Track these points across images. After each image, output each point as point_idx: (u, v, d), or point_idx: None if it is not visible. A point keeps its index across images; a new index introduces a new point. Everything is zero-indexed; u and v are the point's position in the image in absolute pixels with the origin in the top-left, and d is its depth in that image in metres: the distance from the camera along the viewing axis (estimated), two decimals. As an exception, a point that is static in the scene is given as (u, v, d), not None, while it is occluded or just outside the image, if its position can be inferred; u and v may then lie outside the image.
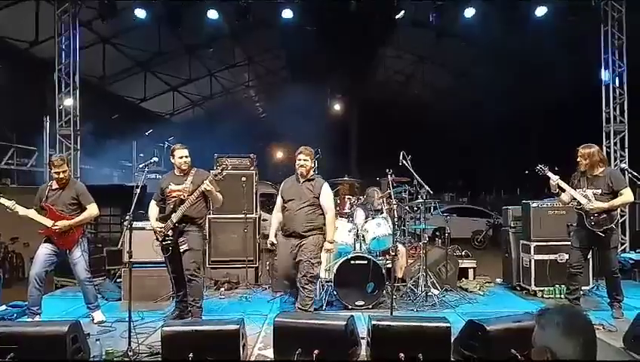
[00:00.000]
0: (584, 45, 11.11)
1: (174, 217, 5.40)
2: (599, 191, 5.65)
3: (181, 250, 5.43)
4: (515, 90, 17.27)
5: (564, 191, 5.82)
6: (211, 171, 5.55)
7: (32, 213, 5.52)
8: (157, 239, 5.53)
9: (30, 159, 12.71)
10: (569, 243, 6.11)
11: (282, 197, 5.76)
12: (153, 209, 5.66)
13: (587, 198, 5.65)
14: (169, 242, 5.45)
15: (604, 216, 5.61)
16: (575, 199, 5.74)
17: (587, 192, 5.68)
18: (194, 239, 5.49)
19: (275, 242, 5.73)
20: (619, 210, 6.11)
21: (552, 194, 6.17)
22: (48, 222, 5.46)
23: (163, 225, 5.45)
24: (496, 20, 10.29)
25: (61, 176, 5.55)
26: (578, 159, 5.77)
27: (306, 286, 5.43)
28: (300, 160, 5.58)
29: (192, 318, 5.48)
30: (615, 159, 9.33)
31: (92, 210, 5.69)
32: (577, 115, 13.80)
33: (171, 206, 5.48)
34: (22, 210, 5.48)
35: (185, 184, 5.54)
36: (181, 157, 5.61)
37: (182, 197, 5.46)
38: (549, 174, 5.87)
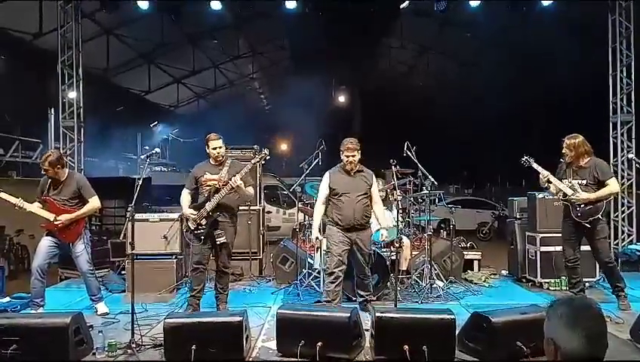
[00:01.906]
0: (589, 36, 11.02)
1: (208, 206, 5.36)
2: (584, 181, 5.62)
3: (217, 242, 5.42)
4: (519, 82, 17.16)
5: (551, 183, 5.79)
6: (249, 163, 5.44)
7: (35, 208, 5.49)
8: (189, 227, 5.47)
9: (35, 152, 12.73)
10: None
11: (333, 189, 5.54)
12: (185, 197, 5.59)
13: (573, 189, 5.61)
14: (202, 231, 5.41)
15: (590, 206, 5.58)
16: (561, 190, 5.71)
17: (572, 183, 5.65)
18: (230, 232, 5.53)
19: (321, 238, 5.63)
20: (611, 199, 6.04)
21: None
22: (50, 216, 5.44)
23: (196, 212, 5.39)
24: (500, 11, 10.18)
25: (43, 172, 5.53)
26: (563, 150, 5.72)
27: (368, 275, 5.68)
28: (347, 156, 5.48)
29: (221, 305, 5.62)
30: (622, 150, 9.21)
31: (94, 203, 5.65)
32: (580, 107, 13.73)
33: (205, 195, 5.44)
34: (27, 206, 5.46)
35: (221, 174, 5.48)
36: (215, 148, 5.53)
37: (217, 186, 5.41)
38: (535, 166, 5.80)
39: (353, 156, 5.49)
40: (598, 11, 9.73)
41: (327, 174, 5.65)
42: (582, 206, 5.58)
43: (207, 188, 5.46)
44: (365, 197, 5.51)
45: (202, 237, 5.41)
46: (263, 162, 5.55)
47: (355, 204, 5.44)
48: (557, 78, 15.15)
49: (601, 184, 5.59)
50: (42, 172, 5.55)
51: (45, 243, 5.50)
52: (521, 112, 19.94)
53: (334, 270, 5.42)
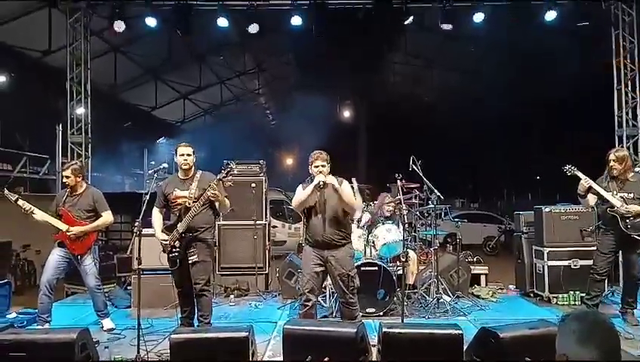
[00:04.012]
0: (589, 44, 11.07)
1: (180, 227, 5.04)
2: (631, 195, 5.60)
3: (190, 262, 5.08)
4: (527, 94, 17.20)
5: (589, 192, 5.67)
6: (218, 175, 5.15)
7: (47, 217, 5.56)
8: (163, 251, 5.20)
9: (43, 167, 12.80)
10: (583, 248, 6.00)
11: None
12: (157, 218, 5.29)
13: (621, 201, 5.57)
14: (176, 254, 5.09)
15: (639, 219, 5.54)
16: (605, 202, 5.66)
17: (618, 196, 5.61)
18: (203, 250, 5.16)
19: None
20: None
21: (571, 199, 6.02)
22: (63, 227, 5.51)
23: (168, 237, 5.11)
24: (504, 23, 10.22)
25: (64, 180, 5.65)
26: (611, 164, 5.65)
27: (351, 301, 5.00)
28: (317, 166, 4.94)
29: None
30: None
31: (107, 217, 5.74)
32: (591, 116, 13.73)
33: (177, 214, 5.14)
34: (39, 213, 5.52)
35: (190, 190, 5.15)
36: (182, 155, 5.20)
37: (187, 204, 5.09)
38: (579, 174, 5.69)
39: (323, 166, 4.93)
40: (598, 13, 9.75)
41: (299, 187, 5.14)
42: (632, 218, 5.53)
43: (178, 207, 5.15)
44: (337, 211, 4.94)
45: (177, 261, 5.10)
46: (230, 177, 5.12)
47: (326, 218, 4.92)
48: (562, 85, 15.18)
49: None
50: (63, 180, 5.66)
51: (54, 258, 5.55)
52: (528, 126, 19.97)
53: (304, 291, 4.97)
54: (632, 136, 9.27)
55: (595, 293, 5.84)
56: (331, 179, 4.86)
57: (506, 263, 9.69)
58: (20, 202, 5.49)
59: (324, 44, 13.54)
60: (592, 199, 5.76)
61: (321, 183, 4.82)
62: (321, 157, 5.00)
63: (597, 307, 5.86)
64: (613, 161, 5.65)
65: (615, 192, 5.64)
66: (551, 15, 9.43)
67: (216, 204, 5.24)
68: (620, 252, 5.99)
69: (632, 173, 5.71)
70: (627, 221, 5.56)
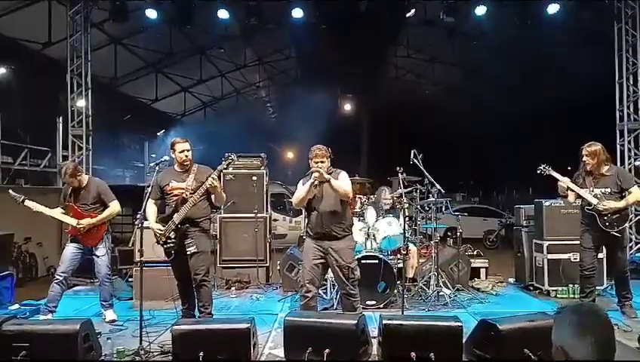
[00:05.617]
0: (595, 41, 11.05)
1: (176, 218, 5.00)
2: (608, 190, 5.52)
3: (188, 253, 5.05)
4: (526, 88, 17.18)
5: (571, 191, 5.66)
6: (219, 166, 5.09)
7: (56, 213, 5.64)
8: (158, 242, 5.15)
9: (43, 160, 12.82)
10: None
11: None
12: (151, 208, 5.22)
13: (598, 198, 5.52)
14: (171, 245, 5.06)
15: (617, 215, 5.49)
16: (583, 199, 5.60)
17: (595, 192, 5.55)
18: (201, 241, 5.14)
19: None
20: (632, 208, 5.98)
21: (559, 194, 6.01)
22: (73, 221, 5.57)
23: (163, 227, 5.07)
24: (507, 17, 10.22)
25: (68, 184, 5.66)
26: (584, 159, 5.58)
27: (352, 292, 5.00)
28: (316, 163, 4.93)
29: None
30: (629, 158, 9.22)
31: (114, 207, 5.78)
32: (591, 113, 13.73)
33: (173, 205, 5.09)
34: (46, 211, 5.58)
35: (187, 181, 5.11)
36: (182, 152, 5.16)
37: (184, 195, 5.05)
38: (554, 174, 5.69)
39: (322, 162, 4.94)
40: (607, 18, 9.75)
41: (300, 183, 5.14)
42: (609, 215, 5.47)
43: (174, 198, 5.11)
44: (336, 203, 4.94)
45: (172, 252, 5.08)
46: (231, 169, 5.16)
47: (325, 210, 4.93)
48: (563, 80, 15.16)
49: (623, 192, 5.51)
50: (67, 185, 5.68)
51: (70, 250, 5.64)
52: (529, 120, 19.95)
53: (305, 283, 4.95)
54: (633, 130, 9.28)
55: (589, 289, 5.78)
56: (325, 173, 4.86)
57: (505, 257, 9.73)
58: (27, 203, 5.53)
59: (325, 37, 13.53)
60: (571, 196, 5.70)
61: (317, 181, 4.85)
62: (320, 153, 4.98)
63: (594, 302, 5.86)
64: (586, 155, 5.55)
65: (591, 188, 5.55)
66: (553, 8, 9.43)
67: (213, 196, 5.23)
68: (604, 249, 6.00)
69: (607, 167, 5.59)
70: (605, 218, 5.49)
